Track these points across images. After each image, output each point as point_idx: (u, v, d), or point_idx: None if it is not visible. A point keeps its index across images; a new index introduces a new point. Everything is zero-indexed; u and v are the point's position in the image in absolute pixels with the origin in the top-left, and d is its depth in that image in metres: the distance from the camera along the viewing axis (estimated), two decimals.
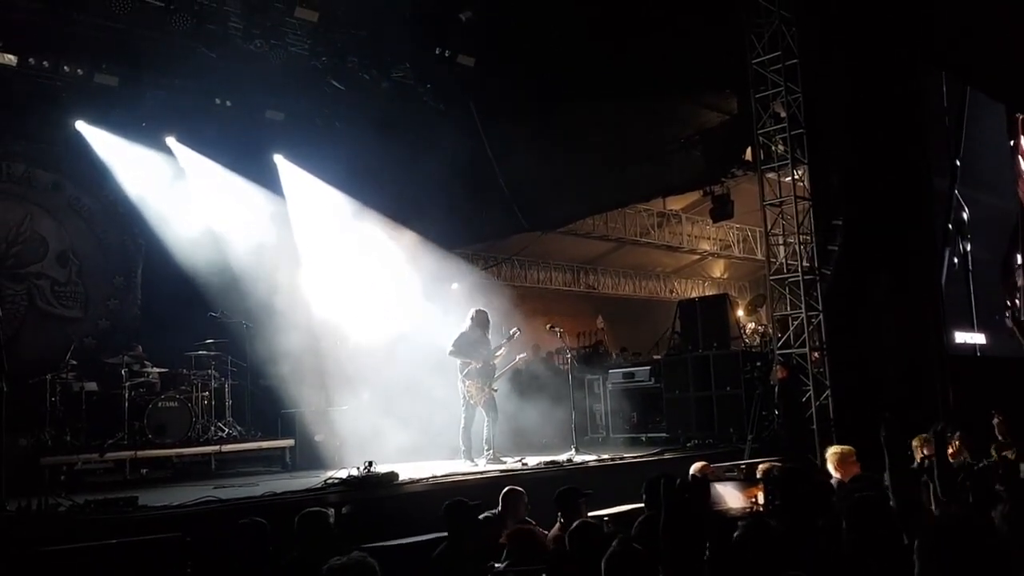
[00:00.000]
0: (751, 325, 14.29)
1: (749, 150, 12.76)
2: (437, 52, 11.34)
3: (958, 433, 7.79)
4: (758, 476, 4.66)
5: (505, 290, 16.65)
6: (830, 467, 6.77)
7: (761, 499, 3.46)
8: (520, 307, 15.11)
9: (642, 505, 6.61)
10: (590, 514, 6.34)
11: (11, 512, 6.23)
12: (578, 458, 9.87)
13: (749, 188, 13.90)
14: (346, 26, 10.98)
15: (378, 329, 11.33)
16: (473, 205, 13.01)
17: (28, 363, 10.40)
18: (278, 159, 12.55)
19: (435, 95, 12.10)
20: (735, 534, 2.73)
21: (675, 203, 18.00)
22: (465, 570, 5.20)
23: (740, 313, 14.74)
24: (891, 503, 4.53)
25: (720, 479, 8.55)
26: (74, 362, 10.11)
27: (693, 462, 7.95)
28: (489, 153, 12.38)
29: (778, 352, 11.41)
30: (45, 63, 10.44)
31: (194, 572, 5.33)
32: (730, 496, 3.37)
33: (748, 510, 3.41)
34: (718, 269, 22.04)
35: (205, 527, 6.19)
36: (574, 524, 4.08)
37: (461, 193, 12.44)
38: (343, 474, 8.05)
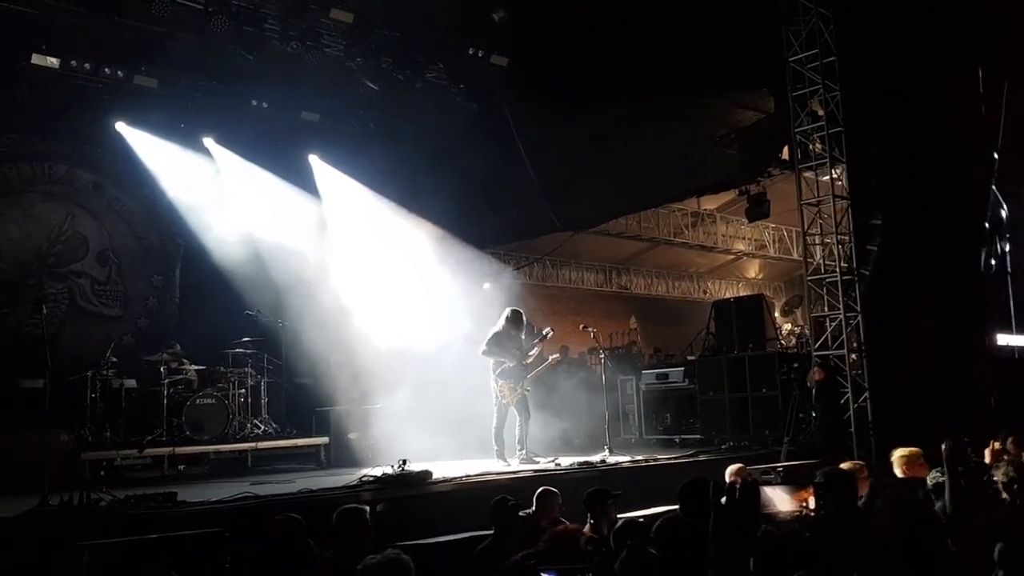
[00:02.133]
0: (787, 326, 14.17)
1: (786, 149, 12.62)
2: (470, 52, 11.37)
3: (1011, 438, 7.63)
4: (816, 479, 4.54)
5: (537, 290, 16.70)
6: (897, 470, 6.64)
7: (812, 503, 3.37)
8: (552, 307, 15.15)
9: (677, 507, 6.61)
10: (622, 515, 6.33)
11: (53, 507, 6.31)
12: (611, 459, 9.84)
13: (785, 187, 13.76)
14: (380, 27, 11.02)
15: (411, 328, 11.38)
16: (506, 205, 13.03)
17: (69, 360, 10.57)
18: (313, 159, 12.64)
19: (468, 95, 12.13)
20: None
21: (709, 203, 17.86)
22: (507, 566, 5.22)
23: (776, 314, 14.60)
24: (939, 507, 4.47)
25: (757, 482, 8.51)
26: (114, 359, 10.24)
27: (728, 464, 7.89)
28: (522, 152, 12.36)
29: (815, 353, 11.27)
30: (86, 65, 10.59)
31: (232, 567, 5.37)
32: (779, 500, 3.29)
33: (798, 514, 3.33)
34: (753, 269, 21.83)
35: (243, 523, 6.24)
36: (619, 523, 4.06)
37: (494, 193, 12.47)
38: (378, 472, 8.08)
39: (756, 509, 1.92)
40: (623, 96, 11.90)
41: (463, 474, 8.41)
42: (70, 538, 5.69)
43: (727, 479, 7.36)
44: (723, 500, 1.85)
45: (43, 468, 6.70)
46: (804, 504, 3.25)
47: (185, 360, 10.83)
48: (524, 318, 10.17)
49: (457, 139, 12.31)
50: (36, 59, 10.20)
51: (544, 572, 2.73)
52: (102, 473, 9.03)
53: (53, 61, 10.34)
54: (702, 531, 4.12)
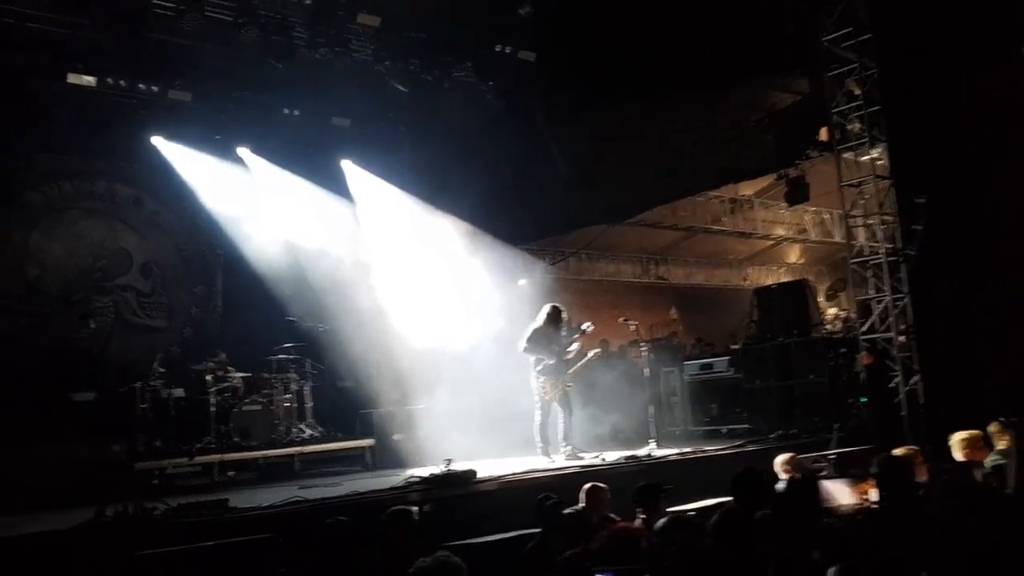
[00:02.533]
0: (832, 311, 13.95)
1: (824, 130, 12.41)
2: (497, 49, 11.34)
3: None
4: (873, 468, 4.41)
5: (573, 284, 16.60)
6: (957, 454, 6.48)
7: (873, 495, 3.26)
8: (588, 301, 15.05)
9: (727, 499, 6.51)
10: (670, 509, 6.26)
11: (109, 517, 6.40)
12: (658, 452, 9.75)
13: (825, 169, 13.52)
14: (407, 29, 11.05)
15: (449, 328, 11.40)
16: (538, 199, 12.97)
17: (118, 372, 10.81)
18: (345, 164, 12.71)
19: (497, 92, 12.10)
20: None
21: (747, 188, 17.61)
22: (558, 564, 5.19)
23: (820, 299, 14.37)
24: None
25: (808, 470, 8.37)
26: (161, 370, 10.39)
27: (777, 454, 7.78)
28: (553, 147, 12.32)
29: (863, 337, 11.07)
30: (121, 82, 10.76)
31: (286, 572, 5.40)
32: (840, 493, 3.19)
33: (859, 507, 3.23)
34: (794, 254, 21.51)
35: (293, 527, 6.29)
36: (664, 518, 4.00)
37: (526, 188, 12.43)
38: (424, 472, 8.09)
39: (816, 503, 1.86)
40: (655, 85, 11.78)
41: (508, 472, 8.39)
42: (127, 548, 5.79)
43: (777, 469, 7.27)
44: (781, 493, 1.79)
45: (97, 479, 6.80)
46: (865, 496, 3.14)
47: (230, 368, 10.94)
48: (563, 314, 10.12)
49: (486, 136, 12.30)
50: (72, 78, 10.36)
51: (599, 572, 2.68)
52: (155, 482, 9.18)
53: (89, 79, 10.51)
54: (757, 522, 4.05)
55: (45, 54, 10.10)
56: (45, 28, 9.80)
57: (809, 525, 1.89)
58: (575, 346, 10.06)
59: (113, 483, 7.22)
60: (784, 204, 16.92)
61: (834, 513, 3.26)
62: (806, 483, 1.86)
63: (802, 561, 1.85)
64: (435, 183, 12.31)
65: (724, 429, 12.62)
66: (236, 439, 10.21)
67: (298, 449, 10.55)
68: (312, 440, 10.83)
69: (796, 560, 1.83)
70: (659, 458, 9.43)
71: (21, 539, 5.89)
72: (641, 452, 9.62)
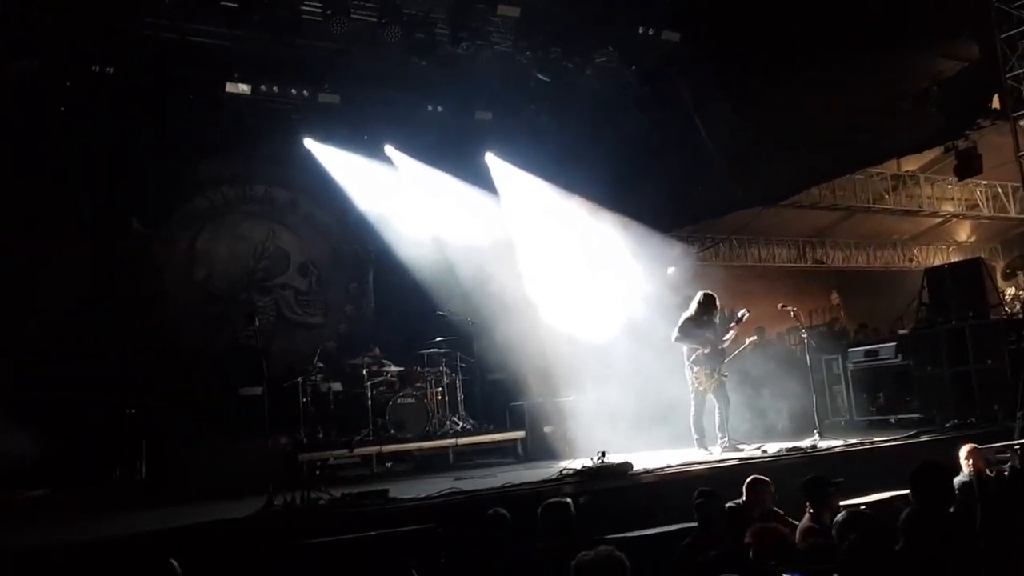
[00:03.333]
0: (1010, 291, 12.89)
1: (996, 98, 11.48)
2: (640, 31, 11.05)
3: None
4: None
5: (724, 271, 16.12)
6: None
7: None
8: (742, 288, 14.56)
9: (902, 492, 6.08)
10: (842, 503, 5.90)
11: (278, 507, 6.65)
12: (822, 443, 9.25)
13: (998, 139, 12.53)
14: (547, 17, 10.95)
15: (599, 318, 11.25)
16: (688, 184, 12.61)
17: (281, 368, 11.26)
18: (489, 157, 12.78)
19: (641, 76, 11.83)
20: None
21: (910, 163, 16.55)
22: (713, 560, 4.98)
23: (997, 278, 13.32)
24: None
25: (991, 463, 7.73)
26: (320, 365, 10.79)
27: (954, 444, 7.24)
28: (701, 129, 11.91)
29: None
30: (275, 88, 11.24)
31: (447, 562, 5.43)
32: None
33: None
34: (963, 232, 20.07)
35: (452, 517, 6.34)
36: (841, 513, 3.74)
37: (675, 173, 12.12)
38: (577, 464, 8.00)
39: None
40: (807, 60, 11.18)
41: (664, 464, 8.17)
42: (296, 536, 5.99)
43: (962, 462, 6.75)
44: (992, 489, 1.58)
45: (267, 470, 7.08)
46: None
47: (385, 362, 11.22)
48: (717, 301, 9.77)
49: (631, 122, 12.04)
50: (230, 87, 10.89)
51: (788, 574, 2.49)
52: (317, 472, 9.52)
53: (244, 88, 11.02)
54: (943, 521, 3.72)
55: (204, 66, 10.65)
56: (202, 41, 10.32)
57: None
58: (730, 334, 9.70)
59: (281, 474, 7.49)
60: (952, 179, 15.82)
61: None
62: (1018, 477, 1.62)
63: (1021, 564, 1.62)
64: (579, 172, 12.16)
65: (893, 419, 11.88)
66: (392, 431, 10.45)
67: (452, 441, 10.68)
68: (465, 432, 10.95)
69: (1014, 563, 1.60)
70: (824, 450, 8.95)
71: (199, 527, 6.18)
72: (804, 443, 9.14)
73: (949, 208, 18.24)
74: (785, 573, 2.54)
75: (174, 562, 4.30)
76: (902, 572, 2.59)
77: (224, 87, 10.86)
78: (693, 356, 9.51)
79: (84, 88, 10.25)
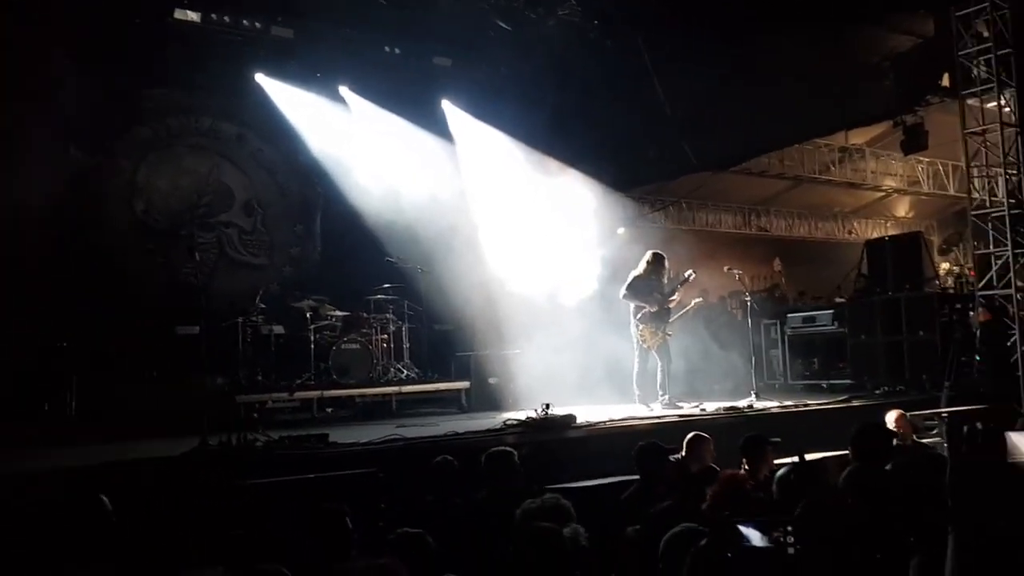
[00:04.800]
0: (945, 266, 13.26)
1: (946, 76, 11.66)
2: None
3: None
4: None
5: (673, 234, 16.23)
6: None
7: None
8: (688, 251, 14.65)
9: (833, 453, 6.27)
10: (777, 462, 6.04)
11: (214, 447, 6.54)
12: (758, 404, 9.49)
13: (942, 118, 12.75)
14: None
15: (547, 273, 11.26)
16: (643, 145, 12.59)
17: (221, 308, 11.01)
18: (446, 105, 12.57)
19: (603, 32, 11.70)
20: None
21: (858, 137, 16.78)
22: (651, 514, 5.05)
23: (933, 253, 13.69)
24: None
25: (918, 429, 8.00)
26: (262, 306, 10.59)
27: (883, 410, 7.47)
28: (659, 90, 11.86)
29: (980, 293, 10.53)
30: (225, 18, 10.84)
31: (387, 507, 5.42)
32: None
33: None
34: (902, 208, 20.53)
35: (392, 463, 6.32)
36: (786, 467, 3.82)
37: (631, 133, 12.08)
38: (521, 416, 8.05)
39: (1002, 457, 1.66)
40: (766, 28, 11.20)
41: (607, 419, 8.28)
42: (230, 477, 5.90)
43: (889, 427, 6.97)
44: (962, 448, 1.60)
45: (202, 410, 6.96)
46: None
47: (329, 306, 11.07)
48: (666, 261, 9.87)
49: (592, 79, 11.94)
50: (178, 14, 10.48)
51: (743, 526, 2.54)
52: (255, 415, 9.36)
53: (194, 15, 10.61)
54: (881, 478, 3.83)
55: None
56: None
57: (995, 483, 1.70)
58: (677, 295, 9.81)
59: (217, 415, 7.37)
60: (896, 155, 16.14)
61: (1021, 469, 2.98)
62: (990, 435, 1.66)
63: (987, 523, 1.66)
64: (535, 126, 12.06)
65: (825, 384, 12.25)
66: (335, 377, 10.34)
67: (395, 389, 10.62)
68: (409, 380, 10.90)
69: (981, 523, 1.64)
70: (760, 410, 9.20)
71: (131, 464, 6.06)
72: (741, 404, 9.37)
73: (891, 183, 18.59)
74: (740, 524, 2.58)
75: (104, 498, 4.20)
76: (851, 526, 2.67)
77: (172, 13, 10.44)
78: (639, 314, 9.63)
79: (25, 6, 9.73)
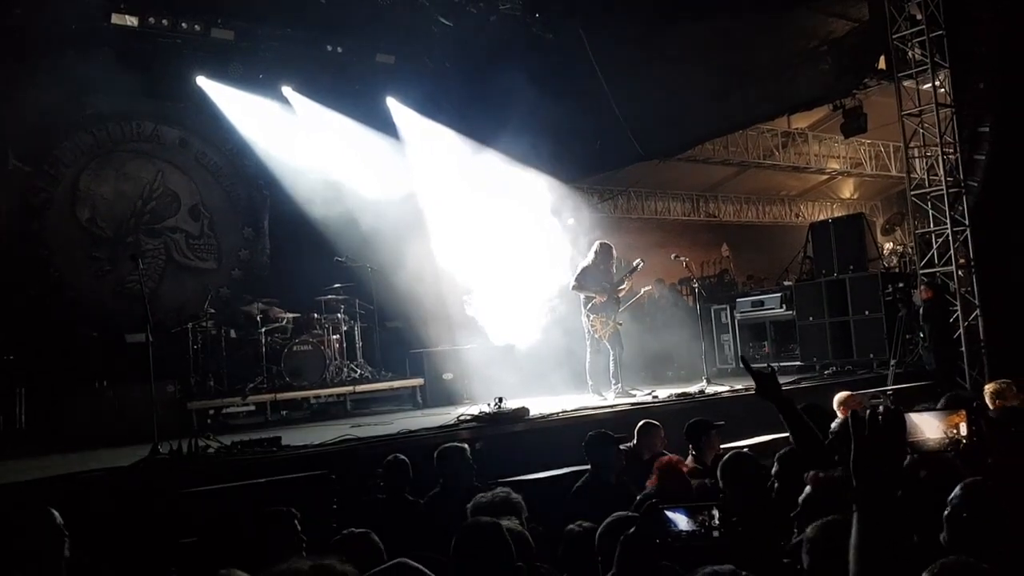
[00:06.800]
0: (889, 245, 13.56)
1: (882, 59, 11.91)
2: None
3: None
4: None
5: (623, 223, 16.39)
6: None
7: (964, 430, 3.08)
8: (638, 240, 14.84)
9: (782, 435, 6.39)
10: (724, 446, 6.17)
11: (164, 455, 6.48)
12: (710, 389, 9.63)
13: (881, 100, 13.04)
14: None
15: (498, 267, 11.30)
16: (588, 136, 12.66)
17: (170, 313, 10.95)
18: (391, 102, 12.54)
19: (544, 25, 11.76)
20: None
21: (800, 121, 17.08)
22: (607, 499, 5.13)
23: (876, 234, 13.99)
24: None
25: (866, 408, 8.19)
26: (212, 311, 10.50)
27: (832, 390, 7.62)
28: (602, 81, 11.95)
29: (921, 272, 10.78)
30: (164, 22, 10.68)
31: (340, 507, 5.43)
32: (927, 426, 2.99)
33: (947, 441, 3.06)
34: (847, 189, 20.95)
35: (346, 464, 6.33)
36: (727, 456, 3.92)
37: (576, 125, 12.12)
38: (474, 410, 8.09)
39: (903, 438, 1.73)
40: (706, 15, 11.34)
41: (560, 409, 8.35)
42: (182, 485, 5.87)
43: (836, 408, 7.12)
44: (864, 431, 1.67)
45: (152, 418, 6.90)
46: (955, 430, 2.93)
47: (279, 308, 11.00)
48: (614, 251, 9.96)
49: (535, 71, 11.96)
50: (116, 18, 10.31)
51: (670, 511, 2.60)
52: (208, 421, 9.33)
53: (132, 20, 10.45)
54: (815, 459, 3.93)
55: None
56: None
57: (895, 462, 1.77)
58: (626, 284, 9.92)
59: (168, 423, 7.31)
60: (839, 137, 16.43)
61: (919, 448, 3.09)
62: (892, 417, 1.72)
63: (888, 500, 1.74)
64: (483, 120, 12.07)
65: (776, 366, 12.40)
66: (288, 379, 10.30)
67: (349, 388, 10.61)
68: (363, 380, 10.89)
69: (882, 499, 1.72)
70: (712, 395, 9.33)
71: (81, 476, 6.00)
72: (693, 389, 9.51)
73: (835, 166, 18.97)
74: (667, 509, 2.65)
75: (55, 512, 4.15)
76: (776, 507, 2.76)
77: (110, 18, 10.27)
78: (590, 304, 9.70)
79: None
